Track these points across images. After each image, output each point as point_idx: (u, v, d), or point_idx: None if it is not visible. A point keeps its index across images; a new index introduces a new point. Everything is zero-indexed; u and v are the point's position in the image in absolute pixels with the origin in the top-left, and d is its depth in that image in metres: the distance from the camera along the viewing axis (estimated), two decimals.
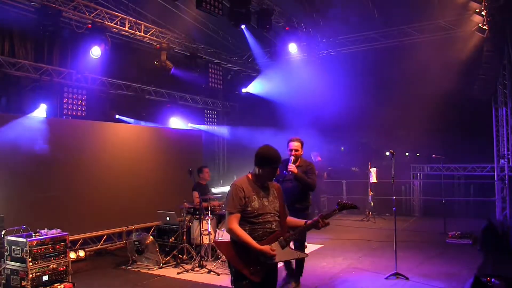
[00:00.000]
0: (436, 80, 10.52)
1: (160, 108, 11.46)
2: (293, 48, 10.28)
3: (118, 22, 8.95)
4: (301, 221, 3.51)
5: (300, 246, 5.40)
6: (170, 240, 7.52)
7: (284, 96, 12.62)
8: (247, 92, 13.77)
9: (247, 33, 10.60)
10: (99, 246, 8.48)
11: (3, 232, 6.02)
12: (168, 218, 7.74)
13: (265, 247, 3.19)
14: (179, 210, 7.68)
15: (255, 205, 3.30)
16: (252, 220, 3.29)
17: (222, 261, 7.07)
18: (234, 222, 3.24)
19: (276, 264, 3.36)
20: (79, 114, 9.04)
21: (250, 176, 3.45)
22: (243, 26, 9.15)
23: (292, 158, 5.37)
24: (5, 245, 5.83)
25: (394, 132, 12.39)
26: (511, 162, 10.24)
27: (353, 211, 12.55)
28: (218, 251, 7.25)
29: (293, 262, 5.55)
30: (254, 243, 3.19)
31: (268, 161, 3.35)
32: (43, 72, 8.51)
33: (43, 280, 5.69)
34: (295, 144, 5.23)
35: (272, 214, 3.37)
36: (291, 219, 3.53)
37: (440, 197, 10.02)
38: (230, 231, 3.25)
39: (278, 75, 13.10)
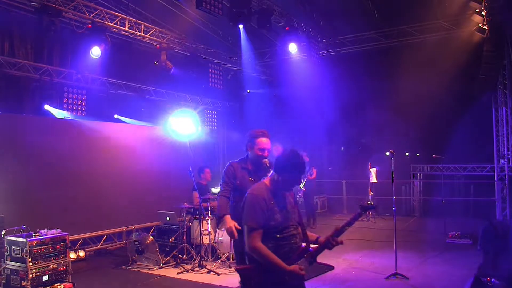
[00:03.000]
0: (436, 80, 10.52)
1: (160, 108, 11.46)
2: (293, 48, 10.27)
3: (118, 22, 8.95)
4: (313, 234, 3.12)
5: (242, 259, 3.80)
6: (170, 240, 7.52)
7: (284, 96, 12.64)
8: (247, 92, 13.78)
9: (242, 33, 10.57)
10: (99, 246, 8.49)
11: (3, 232, 6.02)
12: (168, 218, 7.74)
13: (294, 267, 2.79)
14: (179, 210, 7.68)
15: (278, 218, 2.88)
16: (276, 236, 2.87)
17: (222, 261, 7.08)
18: (257, 239, 2.81)
19: (303, 284, 3.00)
20: (79, 114, 9.05)
21: (268, 183, 3.00)
22: (241, 26, 9.17)
23: (267, 161, 3.99)
24: (5, 245, 5.84)
25: (394, 132, 12.39)
26: (511, 162, 10.23)
27: (353, 211, 12.57)
28: (218, 251, 7.26)
29: None
30: (282, 263, 2.78)
31: (292, 168, 2.90)
32: (43, 72, 8.51)
33: (43, 280, 5.69)
34: (266, 141, 3.98)
35: (295, 226, 2.98)
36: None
37: (440, 197, 10.02)
38: (253, 250, 2.81)
39: (279, 75, 13.13)
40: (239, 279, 3.08)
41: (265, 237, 2.84)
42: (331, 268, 2.99)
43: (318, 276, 2.90)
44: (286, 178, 2.92)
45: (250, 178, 4.11)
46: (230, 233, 4.09)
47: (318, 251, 2.93)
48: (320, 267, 2.95)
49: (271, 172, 3.04)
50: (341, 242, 2.95)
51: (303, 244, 2.96)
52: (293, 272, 2.77)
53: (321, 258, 2.97)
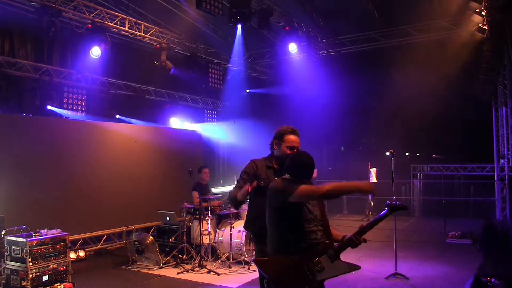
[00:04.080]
0: (436, 80, 10.52)
1: (160, 108, 11.46)
2: (293, 48, 10.28)
3: (118, 22, 8.95)
4: (339, 233, 3.09)
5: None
6: (170, 240, 7.52)
7: (284, 96, 12.63)
8: (248, 92, 13.79)
9: (239, 33, 10.56)
10: (99, 246, 8.48)
11: (3, 232, 6.01)
12: (168, 218, 7.74)
13: (365, 183, 2.86)
14: (179, 210, 7.68)
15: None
16: (298, 230, 2.88)
17: (222, 261, 7.08)
18: (315, 186, 2.85)
19: (322, 283, 2.99)
20: (79, 113, 9.06)
21: (283, 179, 3.07)
22: (239, 26, 9.18)
23: None
24: (5, 245, 5.83)
25: (394, 132, 12.39)
26: (511, 162, 10.24)
27: (353, 211, 12.59)
28: (218, 251, 7.26)
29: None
30: (352, 183, 2.85)
31: (301, 171, 2.97)
32: (43, 72, 8.51)
33: (43, 280, 5.69)
34: (296, 139, 3.64)
35: (315, 223, 2.97)
36: (332, 230, 3.12)
37: (440, 197, 10.02)
38: (328, 192, 2.78)
39: (279, 75, 13.12)
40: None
41: (289, 227, 2.87)
42: (357, 267, 2.94)
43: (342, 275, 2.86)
44: (299, 181, 2.93)
45: (276, 179, 3.60)
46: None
47: (340, 248, 2.91)
48: (344, 266, 2.92)
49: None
50: (365, 240, 2.92)
51: (324, 241, 2.93)
52: (364, 187, 2.82)
53: None
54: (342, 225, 10.86)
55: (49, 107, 8.55)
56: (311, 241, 2.89)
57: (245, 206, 7.50)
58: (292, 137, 3.63)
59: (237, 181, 3.73)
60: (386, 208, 2.95)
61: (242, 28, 9.84)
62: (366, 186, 2.85)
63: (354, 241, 2.89)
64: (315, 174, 3.18)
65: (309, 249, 2.86)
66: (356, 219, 11.49)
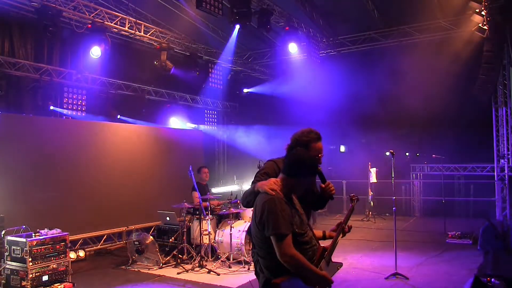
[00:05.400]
0: (436, 80, 10.52)
1: (160, 108, 11.47)
2: (293, 48, 10.28)
3: (118, 22, 8.95)
4: (318, 232, 3.00)
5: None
6: (170, 240, 7.52)
7: (284, 96, 12.64)
8: (247, 92, 13.79)
9: (235, 34, 10.53)
10: (99, 246, 8.49)
11: (3, 232, 6.02)
12: (168, 218, 7.74)
13: (325, 273, 2.64)
14: (179, 210, 7.69)
15: (297, 221, 2.66)
16: (300, 240, 2.65)
17: (222, 261, 7.08)
18: (291, 246, 2.54)
19: None
20: (79, 114, 9.06)
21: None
22: (237, 27, 9.19)
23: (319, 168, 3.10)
24: (5, 245, 5.83)
25: (394, 132, 12.39)
26: (511, 162, 10.23)
27: (353, 211, 12.58)
28: (218, 251, 7.27)
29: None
30: (316, 269, 2.61)
31: (304, 170, 2.69)
32: (43, 72, 8.51)
33: (43, 280, 5.69)
34: (321, 145, 3.26)
35: (308, 228, 2.80)
36: None
37: (440, 197, 10.03)
38: (291, 258, 2.51)
39: (279, 75, 13.12)
40: None
41: (294, 244, 2.59)
42: (340, 264, 2.91)
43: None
44: (297, 181, 2.70)
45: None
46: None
47: (333, 249, 2.82)
48: (334, 266, 2.82)
49: (280, 174, 2.79)
50: (351, 227, 3.05)
51: (319, 245, 2.82)
52: (325, 278, 2.61)
53: None
54: None
55: (51, 107, 8.57)
56: (313, 248, 2.74)
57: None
58: (320, 144, 3.27)
59: (254, 182, 3.09)
60: (350, 204, 3.22)
61: (240, 28, 9.80)
62: (327, 276, 2.65)
63: (344, 230, 2.99)
64: (329, 185, 3.22)
65: (313, 257, 2.70)
66: (356, 219, 11.49)
